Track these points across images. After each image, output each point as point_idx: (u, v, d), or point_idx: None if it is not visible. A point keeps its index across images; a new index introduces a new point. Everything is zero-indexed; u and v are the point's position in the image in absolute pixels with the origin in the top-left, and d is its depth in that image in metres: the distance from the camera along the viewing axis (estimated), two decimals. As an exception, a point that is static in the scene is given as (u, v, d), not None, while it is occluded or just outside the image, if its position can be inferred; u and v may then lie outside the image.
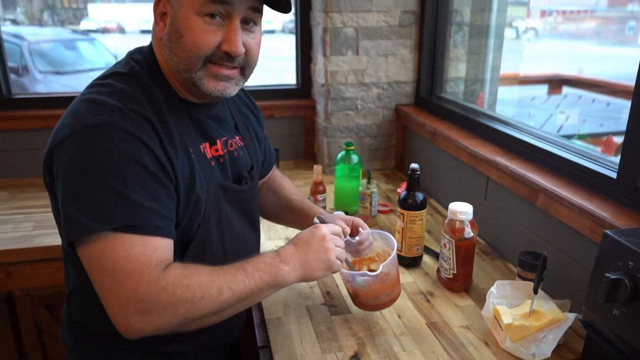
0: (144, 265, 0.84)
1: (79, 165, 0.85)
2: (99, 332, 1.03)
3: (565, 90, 4.41)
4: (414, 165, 1.46)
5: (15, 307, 1.71)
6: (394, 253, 1.18)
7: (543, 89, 4.52)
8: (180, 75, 0.98)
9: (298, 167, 2.37)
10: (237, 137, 1.16)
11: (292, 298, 1.33)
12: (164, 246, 0.89)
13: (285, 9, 1.00)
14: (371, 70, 2.19)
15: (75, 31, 9.64)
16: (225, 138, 1.11)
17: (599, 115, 3.56)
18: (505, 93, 3.49)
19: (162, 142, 0.92)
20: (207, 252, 1.03)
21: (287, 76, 2.49)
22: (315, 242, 1.04)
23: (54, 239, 1.70)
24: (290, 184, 1.46)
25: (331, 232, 1.08)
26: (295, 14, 2.31)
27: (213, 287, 0.89)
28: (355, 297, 1.21)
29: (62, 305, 1.73)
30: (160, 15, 0.97)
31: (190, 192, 0.98)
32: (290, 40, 2.40)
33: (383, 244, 1.29)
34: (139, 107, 0.91)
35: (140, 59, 1.01)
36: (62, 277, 1.67)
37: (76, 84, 5.31)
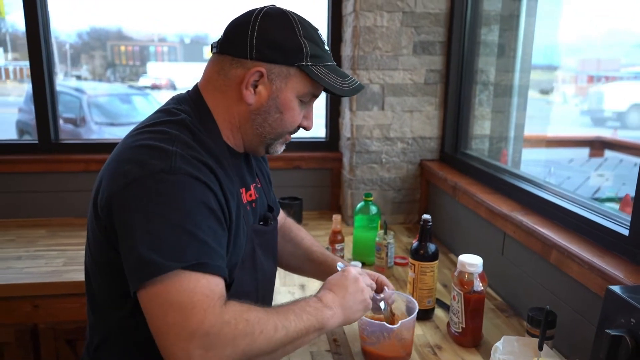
0: (208, 297, 0.86)
1: (149, 209, 0.88)
2: None
3: (607, 153, 4.32)
4: (426, 216, 1.47)
5: (39, 340, 1.78)
6: (414, 314, 1.23)
7: (584, 151, 4.45)
8: (263, 138, 1.08)
9: (322, 217, 2.40)
10: (257, 179, 1.23)
11: (297, 343, 1.33)
12: (222, 284, 0.92)
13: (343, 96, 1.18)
14: (396, 126, 2.24)
15: (132, 87, 10.28)
16: (254, 184, 1.18)
17: (640, 179, 3.43)
18: (537, 154, 3.46)
19: (222, 186, 0.98)
20: (243, 292, 1.04)
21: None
22: (350, 284, 1.08)
23: (82, 275, 1.74)
24: (307, 234, 1.48)
25: (359, 272, 1.14)
26: (327, 72, 2.41)
27: (269, 324, 0.91)
28: (367, 352, 1.24)
29: (83, 341, 1.79)
30: (252, 82, 1.01)
31: (236, 235, 1.03)
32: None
33: (403, 306, 1.32)
34: (197, 153, 0.96)
35: (186, 109, 1.05)
36: (86, 313, 1.74)
37: (125, 134, 5.62)
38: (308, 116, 1.11)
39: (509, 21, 2.15)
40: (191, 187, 0.91)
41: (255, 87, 1.02)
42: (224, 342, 0.85)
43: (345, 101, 2.31)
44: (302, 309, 0.98)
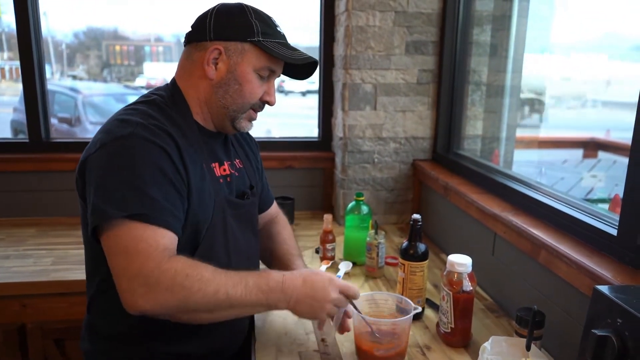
0: (150, 246, 0.99)
1: (107, 168, 1.03)
2: (113, 336, 1.19)
3: (601, 154, 4.32)
4: (416, 216, 1.46)
5: (27, 340, 1.76)
6: (411, 314, 1.22)
7: (578, 152, 4.46)
8: (226, 111, 1.20)
9: (315, 217, 2.39)
10: (237, 161, 1.34)
11: (286, 343, 1.32)
12: (170, 238, 1.03)
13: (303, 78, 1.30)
14: (389, 125, 2.24)
15: (127, 86, 10.26)
16: (230, 161, 1.31)
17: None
18: (529, 155, 3.46)
19: (180, 152, 1.10)
20: (212, 258, 1.13)
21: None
22: (320, 296, 1.11)
23: (70, 274, 1.77)
24: (289, 232, 1.54)
25: (336, 289, 1.14)
26: (320, 71, 2.41)
27: (211, 285, 1.00)
28: (361, 349, 1.22)
29: (71, 341, 1.78)
30: (212, 59, 1.16)
31: (200, 200, 1.14)
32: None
33: (394, 306, 1.31)
34: (158, 122, 1.09)
35: (161, 93, 1.20)
36: (75, 312, 1.74)
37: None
38: (270, 91, 1.23)
39: (501, 21, 2.15)
40: (145, 150, 1.04)
41: (216, 64, 1.16)
42: (161, 288, 0.97)
43: (337, 101, 2.30)
44: (257, 285, 1.05)
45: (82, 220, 1.16)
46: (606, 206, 2.07)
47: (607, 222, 1.24)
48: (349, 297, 1.17)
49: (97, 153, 1.05)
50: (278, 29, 1.21)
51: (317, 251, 1.95)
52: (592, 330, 0.91)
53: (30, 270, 1.79)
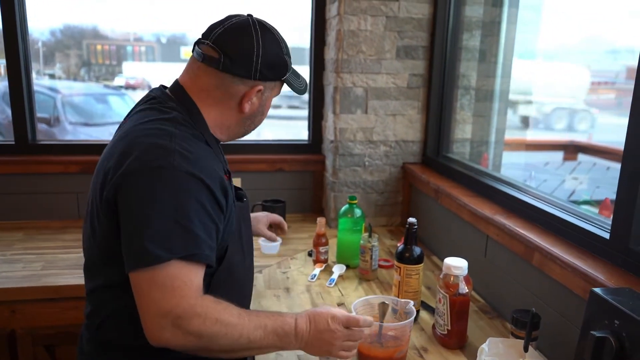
0: (186, 285, 0.99)
1: (148, 202, 0.99)
2: (121, 346, 1.16)
3: (581, 157, 4.42)
4: (412, 220, 1.48)
5: (16, 346, 1.73)
6: (412, 317, 1.23)
7: (558, 155, 4.55)
8: (244, 133, 1.26)
9: (305, 220, 2.40)
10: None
11: (286, 355, 1.32)
12: (201, 274, 1.04)
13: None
14: (379, 129, 2.26)
15: (107, 86, 10.10)
16: (226, 164, 1.31)
17: (613, 182, 3.53)
18: (516, 158, 3.52)
19: (218, 181, 1.08)
20: (234, 261, 1.19)
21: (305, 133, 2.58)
22: (327, 338, 1.11)
23: (61, 279, 1.74)
24: None
25: (348, 338, 1.13)
26: (310, 74, 2.42)
27: (236, 330, 1.02)
28: (363, 353, 1.23)
29: (62, 346, 1.76)
30: (248, 98, 1.16)
31: (229, 216, 1.15)
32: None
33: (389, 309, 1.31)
34: (194, 149, 1.07)
35: (175, 106, 1.14)
36: (66, 318, 1.71)
37: (102, 135, 5.53)
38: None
39: (490, 27, 2.18)
40: (187, 183, 1.02)
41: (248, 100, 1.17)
42: (190, 330, 0.98)
43: (328, 104, 2.32)
44: (274, 330, 1.07)
45: (93, 227, 1.12)
46: (591, 209, 2.12)
47: (599, 226, 1.28)
48: (358, 327, 1.15)
49: (135, 182, 1.01)
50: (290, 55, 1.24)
51: (310, 254, 1.96)
52: (591, 332, 0.94)
53: (19, 276, 1.76)
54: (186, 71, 1.19)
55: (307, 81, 1.29)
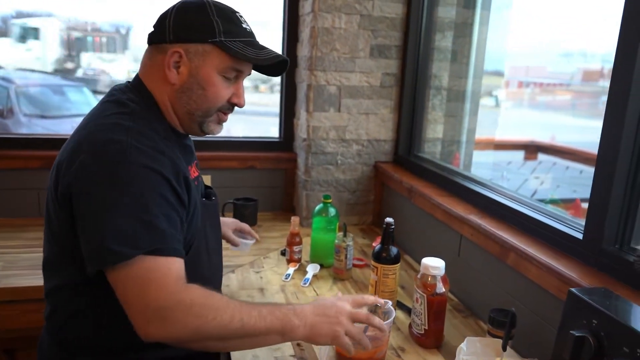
0: (164, 275, 0.96)
1: (107, 201, 0.96)
2: (89, 348, 1.13)
3: (541, 156, 4.56)
4: (389, 220, 1.48)
5: (-26, 351, 1.65)
6: (392, 318, 1.23)
7: (520, 154, 4.68)
8: (192, 116, 1.15)
9: (276, 218, 2.38)
10: (196, 161, 1.32)
11: (262, 348, 1.30)
12: (179, 265, 1.01)
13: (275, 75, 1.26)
14: (352, 128, 2.26)
15: (65, 77, 9.77)
16: (196, 161, 1.29)
17: (572, 181, 3.68)
18: (483, 157, 3.60)
19: (176, 169, 1.06)
20: (199, 261, 1.17)
21: (273, 130, 2.56)
22: (333, 312, 1.07)
23: (22, 280, 1.66)
24: None
25: (354, 317, 1.09)
26: (281, 71, 2.39)
27: (226, 313, 0.97)
28: (342, 354, 1.20)
29: (23, 351, 1.68)
30: (173, 63, 1.10)
31: (192, 212, 1.12)
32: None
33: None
34: (150, 141, 1.03)
35: (133, 97, 1.12)
36: (27, 321, 1.64)
37: (60, 129, 5.34)
38: (238, 93, 1.17)
39: (463, 29, 2.21)
40: (145, 178, 0.99)
41: (178, 67, 1.10)
42: (176, 318, 0.94)
43: (301, 102, 2.30)
44: (270, 311, 1.02)
45: (50, 224, 1.10)
46: (557, 208, 2.18)
47: (572, 227, 1.31)
48: (366, 305, 1.15)
49: (89, 179, 0.98)
50: (244, 25, 1.14)
51: (282, 253, 1.94)
52: (571, 332, 0.96)
53: (-23, 277, 1.67)
54: None
55: (276, 55, 1.14)
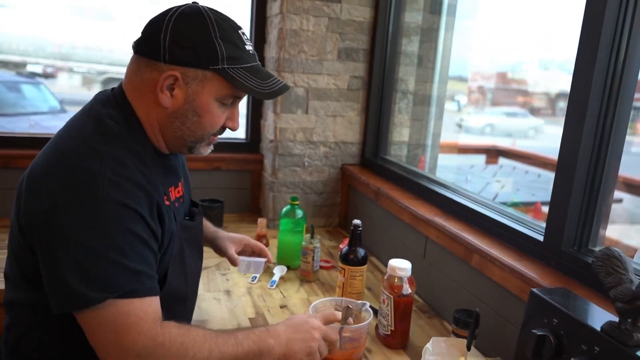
0: (141, 319, 0.92)
1: (76, 239, 0.89)
2: None
3: (501, 161, 4.69)
4: (357, 222, 1.49)
5: None
6: (369, 319, 1.25)
7: (481, 158, 4.80)
8: (183, 141, 1.06)
9: (243, 220, 2.36)
10: (182, 179, 1.23)
11: None
12: (155, 304, 0.96)
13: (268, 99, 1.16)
14: (319, 130, 2.26)
15: (20, 74, 9.41)
16: (181, 180, 1.20)
17: (531, 185, 3.80)
18: (446, 160, 3.68)
19: (152, 207, 0.98)
20: (174, 288, 1.11)
21: (239, 131, 2.54)
22: (305, 329, 1.09)
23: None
24: None
25: (325, 334, 1.12)
26: (249, 72, 2.37)
27: (204, 347, 0.96)
28: None
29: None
30: (167, 86, 1.00)
31: (167, 243, 1.07)
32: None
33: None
34: (127, 171, 0.95)
35: (113, 113, 1.01)
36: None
37: (15, 127, 5.15)
38: (233, 117, 1.10)
39: (428, 34, 2.25)
40: (118, 216, 0.91)
41: (172, 90, 1.00)
42: None
43: (268, 103, 2.29)
44: (246, 336, 1.02)
45: (12, 243, 1.04)
46: (518, 211, 2.24)
47: (533, 229, 1.35)
48: (335, 321, 1.19)
49: (55, 214, 0.89)
50: (247, 47, 1.04)
51: (249, 255, 1.93)
52: (532, 331, 0.99)
53: None
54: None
55: (280, 86, 1.07)
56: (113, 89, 1.08)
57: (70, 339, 1.02)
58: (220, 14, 1.03)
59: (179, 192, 1.16)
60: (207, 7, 1.02)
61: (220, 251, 1.47)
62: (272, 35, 2.22)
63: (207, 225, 1.48)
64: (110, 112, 1.01)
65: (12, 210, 1.01)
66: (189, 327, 0.99)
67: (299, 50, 2.15)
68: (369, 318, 1.25)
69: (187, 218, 1.23)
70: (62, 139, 1.00)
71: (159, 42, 0.97)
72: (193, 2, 1.05)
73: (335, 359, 1.20)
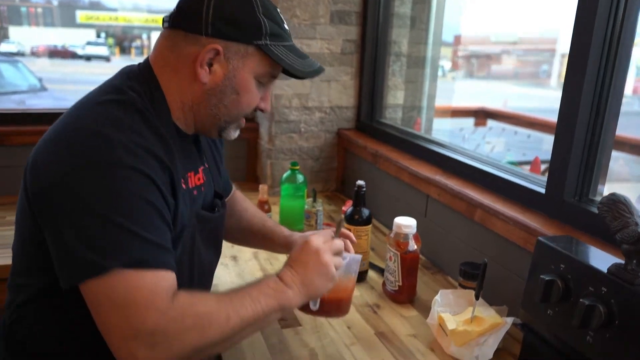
0: (152, 293, 0.84)
1: (87, 205, 0.84)
2: (40, 353, 1.02)
3: (490, 123, 4.73)
4: (360, 182, 1.51)
5: None
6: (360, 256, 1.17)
7: (470, 121, 4.83)
8: (216, 120, 1.02)
9: (241, 188, 2.30)
10: (206, 165, 1.16)
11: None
12: (169, 278, 0.88)
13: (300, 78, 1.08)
14: (314, 95, 2.26)
15: (-3, 52, 9.17)
16: (203, 166, 1.13)
17: (521, 145, 3.85)
18: (438, 124, 3.70)
19: (169, 174, 0.94)
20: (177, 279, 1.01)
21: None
22: (311, 259, 1.01)
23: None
24: (251, 205, 1.44)
25: (323, 241, 1.04)
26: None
27: (221, 314, 0.88)
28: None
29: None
30: (207, 60, 0.96)
31: (181, 225, 1.00)
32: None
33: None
34: (143, 139, 0.90)
35: (136, 87, 0.97)
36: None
37: (-2, 106, 5.06)
38: (265, 98, 1.06)
39: (421, -5, 2.24)
40: (132, 181, 0.86)
41: (211, 65, 0.97)
42: (171, 339, 0.83)
43: (262, 70, 2.27)
44: (260, 292, 0.95)
45: (20, 222, 0.99)
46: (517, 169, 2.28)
47: (535, 182, 1.38)
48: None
49: (67, 181, 0.85)
50: (285, 26, 1.02)
51: (251, 222, 1.94)
52: (541, 276, 1.03)
53: None
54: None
55: (317, 67, 1.05)
56: (139, 64, 1.04)
57: (65, 327, 0.98)
58: None
59: (199, 179, 1.10)
60: None
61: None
62: None
63: (280, 229, 1.34)
64: (133, 84, 0.98)
65: (21, 191, 0.96)
66: (200, 295, 0.92)
67: (292, 14, 2.13)
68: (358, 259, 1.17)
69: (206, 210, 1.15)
70: (80, 104, 0.97)
71: (201, 14, 0.94)
72: None
73: (328, 299, 1.10)
